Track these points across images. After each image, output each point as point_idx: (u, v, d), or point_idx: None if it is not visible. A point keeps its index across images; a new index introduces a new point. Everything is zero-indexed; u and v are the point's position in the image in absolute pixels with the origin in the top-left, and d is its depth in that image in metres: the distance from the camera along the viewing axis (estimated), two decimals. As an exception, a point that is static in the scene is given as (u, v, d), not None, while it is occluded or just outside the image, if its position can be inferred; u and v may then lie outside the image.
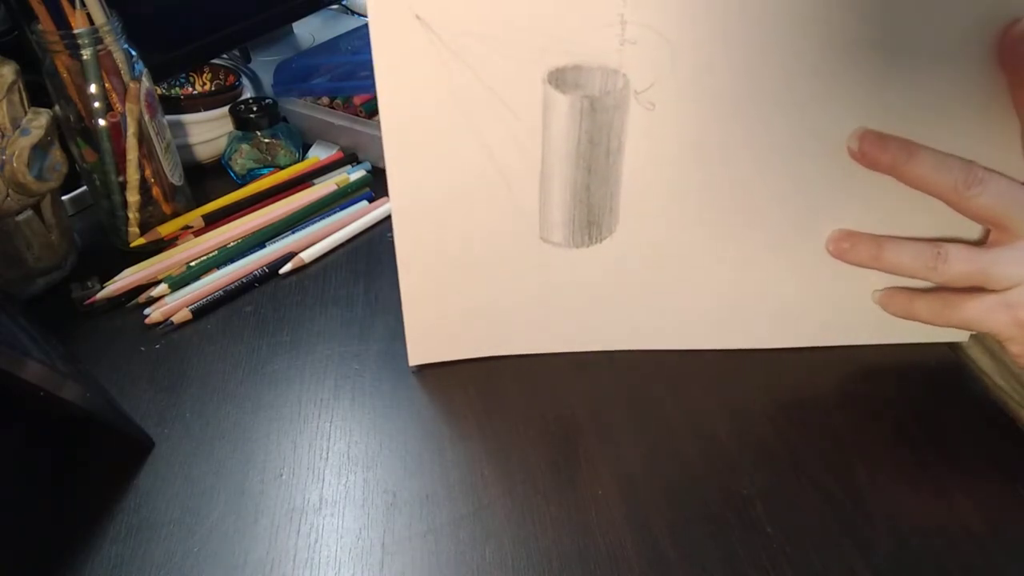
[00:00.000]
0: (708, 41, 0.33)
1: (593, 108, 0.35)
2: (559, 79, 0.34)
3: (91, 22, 0.46)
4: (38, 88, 0.48)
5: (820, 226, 0.40)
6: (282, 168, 0.62)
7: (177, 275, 0.51)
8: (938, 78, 0.34)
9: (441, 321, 0.42)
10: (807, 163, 0.37)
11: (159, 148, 0.53)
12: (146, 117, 0.51)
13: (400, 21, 0.32)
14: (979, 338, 0.45)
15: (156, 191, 0.54)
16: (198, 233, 0.55)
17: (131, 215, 0.53)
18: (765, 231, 0.40)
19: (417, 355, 0.44)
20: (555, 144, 0.36)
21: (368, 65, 0.34)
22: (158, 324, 0.48)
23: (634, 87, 0.34)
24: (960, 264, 0.37)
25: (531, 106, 0.35)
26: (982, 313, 0.37)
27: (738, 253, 0.41)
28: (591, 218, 0.39)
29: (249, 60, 0.74)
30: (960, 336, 0.44)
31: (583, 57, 0.33)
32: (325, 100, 0.65)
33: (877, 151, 0.36)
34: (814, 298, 0.43)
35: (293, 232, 0.56)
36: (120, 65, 0.49)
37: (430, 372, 0.44)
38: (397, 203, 0.38)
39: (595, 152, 0.36)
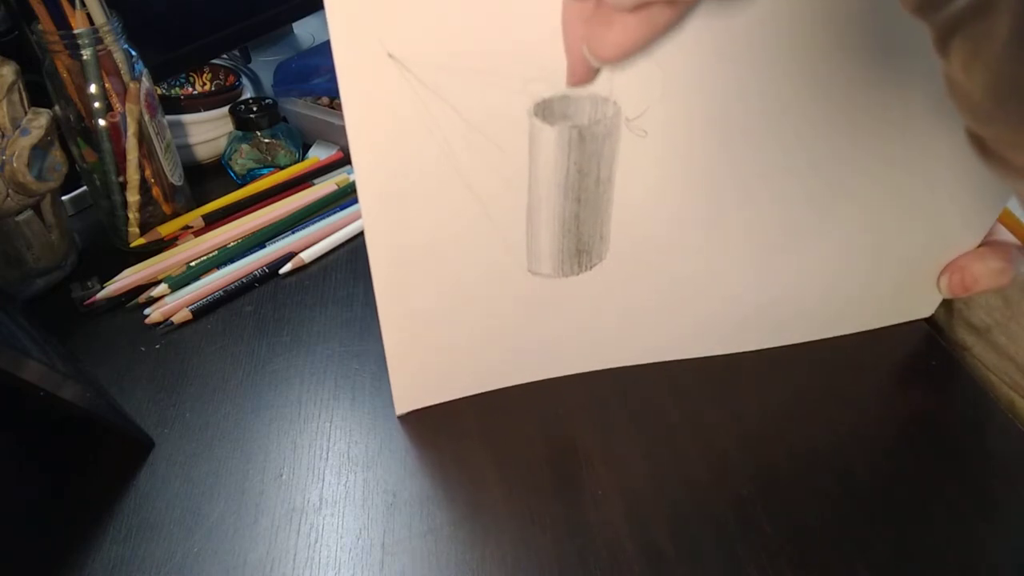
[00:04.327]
0: (699, 66, 0.32)
1: (582, 138, 0.33)
2: (546, 110, 0.32)
3: (91, 22, 0.46)
4: (38, 88, 0.48)
5: (809, 238, 0.40)
6: (282, 168, 0.62)
7: (177, 275, 0.51)
8: (928, 84, 0.34)
9: (428, 365, 0.41)
10: (797, 184, 0.37)
11: (159, 148, 0.53)
12: (146, 117, 0.51)
13: (371, 60, 0.29)
14: (982, 334, 0.45)
15: (156, 191, 0.54)
16: (198, 233, 0.55)
17: (131, 215, 0.53)
18: (756, 247, 0.40)
19: (404, 403, 0.42)
20: (543, 176, 0.34)
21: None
22: (158, 324, 0.48)
23: (626, 114, 0.33)
24: None
25: (516, 139, 0.33)
26: None
27: (729, 270, 0.41)
28: (580, 247, 0.37)
29: (249, 60, 0.74)
30: (928, 310, 0.46)
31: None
32: (325, 100, 0.65)
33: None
34: (802, 299, 0.43)
35: (293, 232, 0.55)
36: (120, 65, 0.49)
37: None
38: (375, 252, 0.35)
39: (585, 182, 0.35)
